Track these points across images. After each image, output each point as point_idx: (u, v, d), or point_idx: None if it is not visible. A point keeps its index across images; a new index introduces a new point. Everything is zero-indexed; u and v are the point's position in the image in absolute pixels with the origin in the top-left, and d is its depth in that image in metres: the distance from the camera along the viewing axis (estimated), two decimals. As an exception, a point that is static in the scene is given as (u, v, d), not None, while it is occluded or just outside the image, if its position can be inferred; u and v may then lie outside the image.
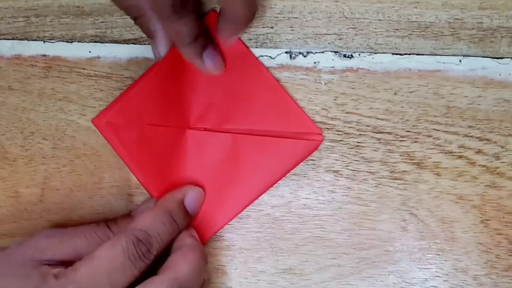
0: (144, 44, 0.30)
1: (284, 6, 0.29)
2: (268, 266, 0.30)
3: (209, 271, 0.30)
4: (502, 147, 0.29)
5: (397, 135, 0.29)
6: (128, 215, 0.29)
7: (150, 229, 0.25)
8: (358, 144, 0.29)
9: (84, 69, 0.30)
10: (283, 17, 0.29)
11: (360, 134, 0.29)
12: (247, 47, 0.29)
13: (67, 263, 0.25)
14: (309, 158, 0.29)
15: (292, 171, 0.29)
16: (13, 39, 0.30)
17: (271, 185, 0.29)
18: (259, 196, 0.29)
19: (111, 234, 0.27)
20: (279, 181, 0.29)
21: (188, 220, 0.28)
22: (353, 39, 0.29)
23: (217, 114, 0.29)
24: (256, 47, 0.29)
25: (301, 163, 0.29)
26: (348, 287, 0.30)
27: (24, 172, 0.30)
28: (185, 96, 0.29)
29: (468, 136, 0.29)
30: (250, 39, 0.29)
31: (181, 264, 0.25)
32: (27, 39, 0.30)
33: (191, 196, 0.28)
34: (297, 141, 0.29)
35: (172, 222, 0.26)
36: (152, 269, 0.25)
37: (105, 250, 0.24)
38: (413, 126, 0.29)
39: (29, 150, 0.30)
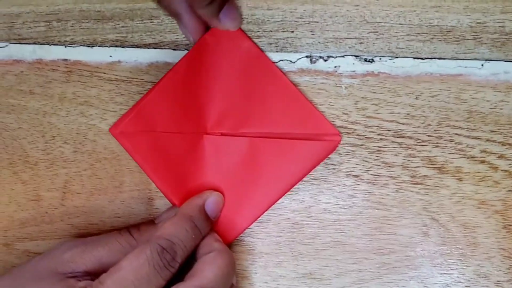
0: (165, 48, 0.30)
1: (305, 10, 0.29)
2: (288, 271, 0.30)
3: (237, 275, 0.30)
4: None
5: (419, 139, 0.29)
6: (151, 222, 0.29)
7: (173, 237, 0.25)
8: (379, 148, 0.29)
9: (105, 73, 0.30)
10: (304, 21, 0.29)
11: (381, 139, 0.29)
12: (262, 51, 0.29)
13: (91, 274, 0.25)
14: (330, 162, 0.29)
15: (312, 175, 0.29)
16: (34, 43, 0.30)
17: (290, 188, 0.29)
18: (278, 199, 0.29)
19: (133, 241, 0.27)
20: (299, 185, 0.29)
21: (210, 225, 0.28)
22: (374, 43, 0.29)
23: (233, 118, 0.29)
24: (276, 51, 0.29)
25: (322, 168, 0.29)
26: None
27: (45, 176, 0.31)
28: (201, 101, 0.29)
29: (491, 140, 0.29)
30: (270, 43, 0.29)
31: (207, 270, 0.25)
32: (49, 44, 0.30)
33: (211, 201, 0.28)
34: (315, 142, 0.29)
35: (195, 228, 0.26)
36: (177, 276, 0.25)
37: (130, 261, 0.24)
38: (435, 130, 0.29)
39: (50, 154, 0.31)
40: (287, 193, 0.29)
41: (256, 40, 0.29)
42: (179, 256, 0.25)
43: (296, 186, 0.29)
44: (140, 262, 0.24)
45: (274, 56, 0.29)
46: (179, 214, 0.27)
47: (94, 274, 0.25)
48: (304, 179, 0.29)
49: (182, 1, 0.26)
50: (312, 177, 0.29)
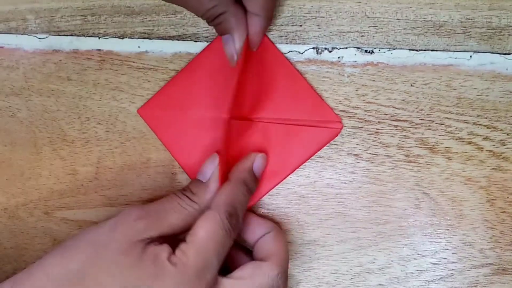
0: (187, 40, 0.33)
1: (312, 6, 0.32)
2: (296, 238, 0.33)
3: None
4: (507, 134, 0.32)
5: (412, 122, 0.32)
6: (199, 182, 0.30)
7: (235, 202, 0.28)
8: (377, 130, 0.32)
9: (134, 62, 0.33)
10: (311, 16, 0.32)
11: (378, 122, 0.32)
12: (273, 43, 0.32)
13: (164, 237, 0.27)
14: (332, 142, 0.32)
15: (317, 154, 0.32)
16: (71, 35, 0.34)
17: (296, 168, 0.32)
18: (286, 177, 0.33)
19: (196, 205, 0.29)
20: (305, 163, 0.32)
21: (257, 184, 0.31)
22: (373, 36, 0.32)
23: (247, 104, 0.32)
24: (286, 43, 0.32)
25: (325, 148, 0.32)
26: (366, 258, 0.33)
27: (81, 153, 0.34)
28: (219, 88, 0.32)
29: (477, 124, 0.32)
30: (281, 36, 0.32)
31: (282, 251, 0.29)
32: (84, 36, 0.34)
33: (258, 162, 0.31)
34: (319, 129, 0.32)
35: (248, 191, 0.30)
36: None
37: (205, 229, 0.26)
38: (427, 114, 0.32)
39: (86, 133, 0.34)
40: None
41: (268, 33, 0.32)
42: (240, 218, 0.29)
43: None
44: (215, 229, 0.26)
45: (284, 48, 0.32)
46: (234, 179, 0.29)
47: (166, 237, 0.27)
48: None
49: (238, 18, 0.29)
50: (317, 156, 0.33)
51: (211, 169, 0.30)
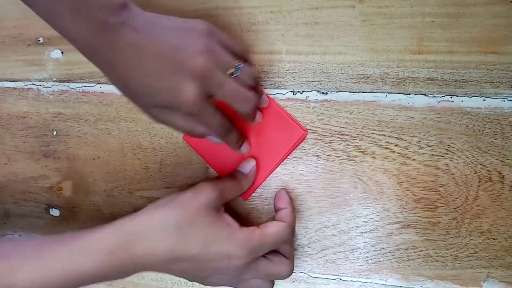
0: None
1: (290, 66, 0.51)
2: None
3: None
4: (409, 142, 0.49)
5: (352, 136, 0.48)
6: (243, 175, 0.46)
7: (293, 228, 0.44)
8: (330, 140, 0.48)
9: None
10: (289, 72, 0.51)
11: (331, 135, 0.48)
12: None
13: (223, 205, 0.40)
14: (302, 148, 0.50)
15: (293, 155, 0.50)
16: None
17: (282, 161, 0.50)
18: (275, 168, 0.51)
19: (241, 189, 0.44)
20: (286, 161, 0.50)
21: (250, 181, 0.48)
22: (327, 84, 0.48)
23: (250, 129, 0.51)
24: (274, 88, 0.51)
25: (297, 151, 0.50)
26: (324, 218, 0.51)
27: (150, 156, 0.53)
28: (234, 118, 0.49)
29: (391, 136, 0.48)
30: (271, 84, 0.51)
31: (294, 221, 0.44)
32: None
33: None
34: (295, 133, 0.49)
35: (292, 234, 0.44)
36: None
37: (276, 229, 0.38)
38: (360, 131, 0.48)
39: (154, 143, 0.53)
40: (279, 165, 0.50)
41: (263, 82, 0.50)
42: (293, 236, 0.45)
43: (284, 161, 0.49)
44: (281, 235, 0.39)
45: (273, 91, 0.50)
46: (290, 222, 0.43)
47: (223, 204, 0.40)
48: (288, 157, 0.49)
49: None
50: (293, 156, 0.50)
51: (249, 167, 0.46)
